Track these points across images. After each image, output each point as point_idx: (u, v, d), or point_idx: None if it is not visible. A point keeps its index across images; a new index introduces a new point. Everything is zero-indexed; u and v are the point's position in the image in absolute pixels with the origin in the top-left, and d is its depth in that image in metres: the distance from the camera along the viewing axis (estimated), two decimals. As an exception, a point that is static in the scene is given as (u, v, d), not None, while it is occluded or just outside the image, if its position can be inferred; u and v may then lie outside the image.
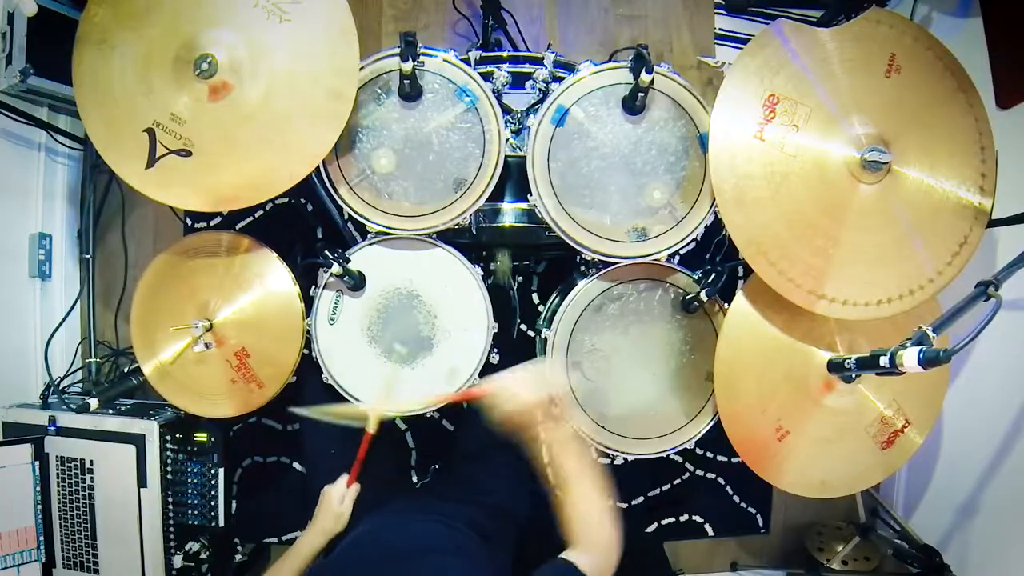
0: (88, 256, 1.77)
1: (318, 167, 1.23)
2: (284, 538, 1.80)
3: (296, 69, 1.13)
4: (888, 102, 1.17)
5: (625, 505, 1.88)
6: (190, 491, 1.51)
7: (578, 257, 1.31)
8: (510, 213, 1.33)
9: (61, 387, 1.61)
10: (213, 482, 1.50)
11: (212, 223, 1.78)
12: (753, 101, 1.15)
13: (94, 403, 1.32)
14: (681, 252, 1.31)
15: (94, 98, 1.14)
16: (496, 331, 1.32)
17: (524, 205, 1.30)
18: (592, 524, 0.94)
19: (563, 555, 0.90)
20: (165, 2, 1.13)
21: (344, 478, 1.21)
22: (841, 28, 1.17)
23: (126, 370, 1.44)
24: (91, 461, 1.42)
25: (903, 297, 1.18)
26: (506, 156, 1.24)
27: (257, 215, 1.78)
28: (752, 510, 1.93)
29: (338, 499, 1.18)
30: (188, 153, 1.13)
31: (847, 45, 1.17)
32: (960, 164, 1.18)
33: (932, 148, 1.18)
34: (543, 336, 1.36)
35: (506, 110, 1.32)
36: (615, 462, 1.82)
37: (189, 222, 1.79)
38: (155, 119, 1.13)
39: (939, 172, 1.17)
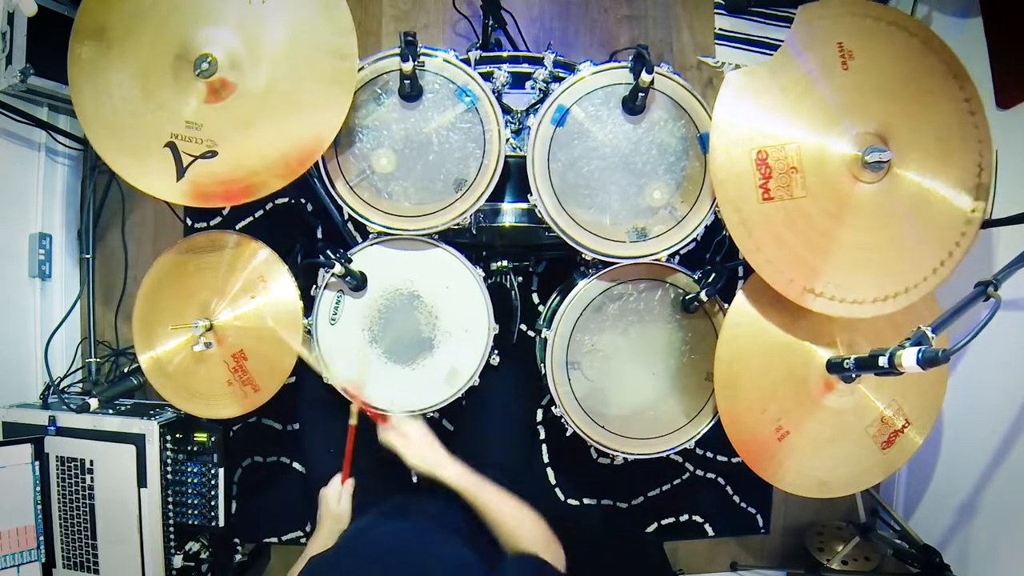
0: (88, 256, 1.77)
1: (318, 167, 1.23)
2: (284, 538, 1.81)
3: (294, 42, 1.13)
4: (863, 92, 1.15)
5: (625, 505, 1.89)
6: (190, 491, 1.51)
7: (578, 257, 1.31)
8: (510, 213, 1.33)
9: (61, 387, 1.61)
10: (213, 482, 1.50)
11: (212, 223, 1.78)
12: (746, 168, 1.14)
13: (94, 403, 1.32)
14: (681, 252, 1.31)
15: (106, 129, 1.13)
16: (497, 332, 1.32)
17: (524, 205, 1.30)
18: (517, 528, 1.03)
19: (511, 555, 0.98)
20: (146, 18, 1.12)
21: (337, 478, 1.22)
22: (784, 46, 1.15)
23: (126, 370, 1.44)
24: (91, 461, 1.42)
25: (903, 293, 1.18)
26: (506, 156, 1.24)
27: (257, 215, 1.78)
28: (752, 510, 1.93)
29: (335, 499, 1.19)
30: (214, 153, 1.13)
31: (799, 59, 1.15)
32: (956, 155, 1.16)
33: (925, 129, 1.16)
34: (543, 336, 1.36)
35: (506, 110, 1.32)
36: (615, 462, 1.83)
37: (189, 222, 1.79)
38: (172, 131, 1.13)
39: (935, 164, 1.16)
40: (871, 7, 1.16)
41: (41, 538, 1.43)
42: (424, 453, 1.17)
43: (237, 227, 1.76)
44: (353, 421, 1.21)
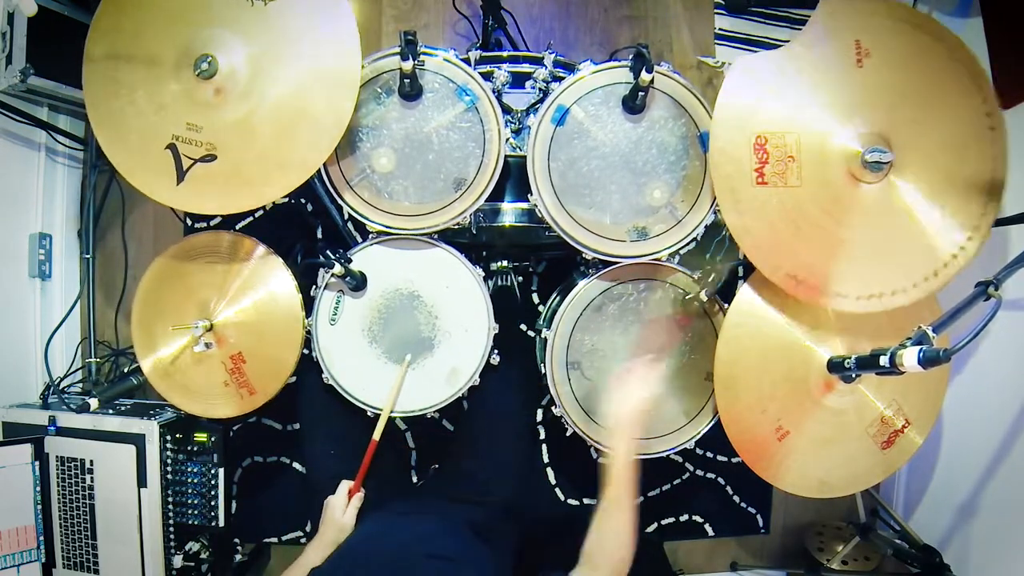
0: (88, 256, 1.77)
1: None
2: (284, 538, 1.80)
3: (297, 46, 1.13)
4: (873, 92, 1.15)
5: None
6: (190, 491, 1.51)
7: (578, 257, 1.31)
8: (510, 213, 1.33)
9: (61, 387, 1.61)
10: (213, 482, 1.50)
11: (212, 223, 1.78)
12: (743, 151, 1.14)
13: (94, 403, 1.32)
14: (681, 252, 1.31)
15: (113, 131, 1.14)
16: (497, 332, 1.32)
17: (524, 205, 1.30)
18: (613, 547, 0.98)
19: (573, 573, 0.93)
20: (155, 19, 1.13)
21: (345, 487, 1.21)
22: (800, 37, 1.15)
23: (126, 370, 1.44)
24: (91, 461, 1.42)
25: (899, 292, 1.18)
26: (506, 156, 1.24)
27: (257, 215, 1.78)
28: (752, 510, 1.93)
29: (341, 511, 1.18)
30: (213, 157, 1.14)
31: (813, 51, 1.14)
32: (965, 168, 1.15)
33: (933, 136, 1.15)
34: (543, 336, 1.36)
35: (506, 110, 1.32)
36: (615, 462, 1.83)
37: (189, 222, 1.79)
38: (173, 133, 1.13)
39: (937, 173, 1.16)
40: (896, 8, 1.16)
41: (41, 538, 1.43)
42: (628, 416, 1.09)
43: (237, 227, 1.76)
44: (376, 436, 1.21)
